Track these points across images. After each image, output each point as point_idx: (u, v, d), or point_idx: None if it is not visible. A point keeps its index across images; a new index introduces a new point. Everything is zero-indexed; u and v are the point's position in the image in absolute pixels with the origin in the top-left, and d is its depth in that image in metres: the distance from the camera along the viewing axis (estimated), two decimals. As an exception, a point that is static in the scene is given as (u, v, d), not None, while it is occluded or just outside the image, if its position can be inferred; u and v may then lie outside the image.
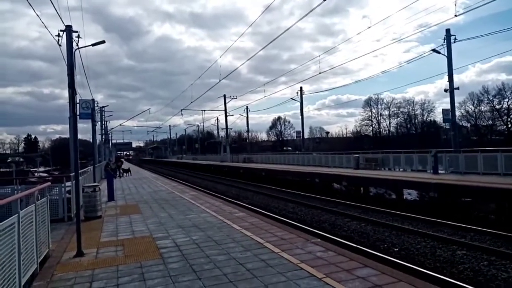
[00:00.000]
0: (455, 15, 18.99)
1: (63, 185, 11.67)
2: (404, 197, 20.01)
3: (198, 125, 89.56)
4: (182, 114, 59.28)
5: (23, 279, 5.36)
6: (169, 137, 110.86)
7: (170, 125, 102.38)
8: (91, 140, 50.78)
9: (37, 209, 6.59)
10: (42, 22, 16.26)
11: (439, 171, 20.48)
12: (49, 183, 8.52)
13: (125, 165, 41.38)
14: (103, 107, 44.12)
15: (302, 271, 5.61)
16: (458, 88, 21.97)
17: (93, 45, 15.57)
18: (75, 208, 7.84)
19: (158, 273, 5.94)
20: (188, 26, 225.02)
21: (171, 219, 10.79)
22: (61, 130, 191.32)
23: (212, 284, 5.29)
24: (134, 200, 15.86)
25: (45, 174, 65.15)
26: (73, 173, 14.20)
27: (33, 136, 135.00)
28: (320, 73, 33.58)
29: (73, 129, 7.07)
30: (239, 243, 7.49)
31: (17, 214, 5.27)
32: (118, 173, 32.15)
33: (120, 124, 60.80)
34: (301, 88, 43.84)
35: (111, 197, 16.00)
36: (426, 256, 9.51)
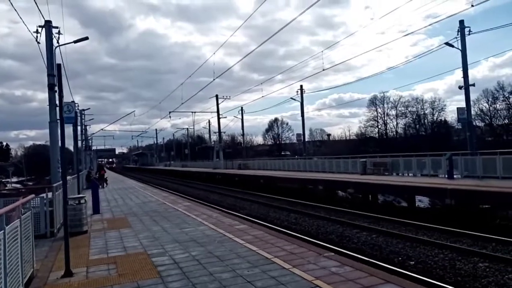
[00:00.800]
0: (472, 5, 18.90)
1: (44, 197, 11.59)
2: (416, 204, 20.16)
3: (187, 128, 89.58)
4: (170, 116, 59.20)
5: (9, 303, 5.31)
6: (155, 142, 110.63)
7: (156, 129, 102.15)
8: (68, 147, 50.69)
9: (21, 224, 6.55)
10: (20, 18, 16.20)
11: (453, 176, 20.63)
12: (33, 195, 8.46)
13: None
14: (83, 110, 44.08)
15: (317, 288, 5.62)
16: (473, 85, 22.13)
17: (75, 41, 15.54)
18: (63, 222, 7.77)
19: (158, 294, 5.92)
20: (174, 20, 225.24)
21: (166, 233, 10.76)
22: (35, 136, 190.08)
23: (219, 305, 5.28)
24: (122, 212, 15.79)
25: (18, 185, 64.70)
26: (58, 183, 14.14)
27: (4, 143, 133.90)
28: (324, 69, 33.78)
29: (61, 135, 7.04)
30: (244, 259, 7.48)
31: (3, 231, 5.23)
32: (102, 183, 32.04)
33: (102, 129, 60.46)
34: (301, 86, 44.11)
35: (96, 209, 15.93)
36: (446, 269, 9.56)
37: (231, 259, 7.58)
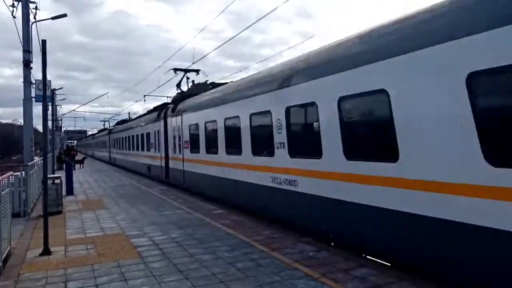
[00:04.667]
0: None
1: (19, 175, 11.41)
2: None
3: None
4: (145, 100, 58.39)
5: (-10, 278, 5.32)
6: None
7: (129, 113, 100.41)
8: (36, 126, 49.28)
9: (1, 201, 6.51)
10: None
11: None
12: (11, 172, 8.34)
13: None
14: (55, 89, 42.87)
15: (296, 271, 5.83)
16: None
17: (53, 18, 15.16)
18: (43, 200, 7.73)
19: (139, 273, 6.01)
20: None
21: (143, 215, 10.79)
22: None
23: (202, 285, 5.42)
24: (97, 194, 15.67)
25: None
26: (32, 162, 13.88)
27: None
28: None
29: (43, 114, 6.96)
30: (224, 242, 7.63)
31: (-15, 206, 5.21)
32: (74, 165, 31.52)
33: (74, 110, 58.89)
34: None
35: (69, 191, 15.74)
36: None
37: (211, 241, 7.72)
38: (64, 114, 60.97)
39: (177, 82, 21.14)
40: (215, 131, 12.05)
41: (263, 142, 9.16)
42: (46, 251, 7.30)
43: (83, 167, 34.31)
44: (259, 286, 5.29)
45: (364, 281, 5.32)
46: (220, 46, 18.11)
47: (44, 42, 6.56)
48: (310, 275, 5.62)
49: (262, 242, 7.51)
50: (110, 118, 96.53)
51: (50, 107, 36.01)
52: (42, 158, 20.11)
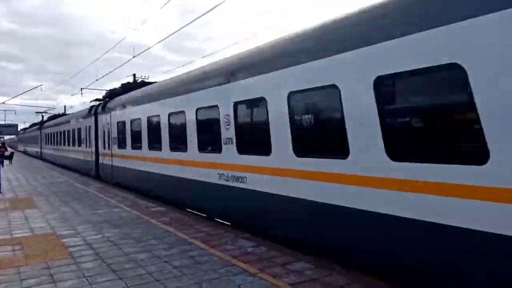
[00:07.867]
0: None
1: None
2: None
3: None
4: (82, 94, 56.03)
5: None
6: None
7: (65, 106, 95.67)
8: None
9: None
10: None
11: None
12: None
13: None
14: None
15: (235, 267, 5.85)
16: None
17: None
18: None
19: (70, 274, 5.76)
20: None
21: (77, 214, 10.35)
22: None
23: (136, 284, 5.29)
24: (27, 192, 14.83)
25: None
26: None
27: None
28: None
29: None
30: (161, 240, 7.50)
31: None
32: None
33: (3, 103, 54.66)
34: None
35: (-4, 189, 14.80)
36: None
37: (148, 240, 7.57)
38: (-8, 107, 56.85)
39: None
40: None
41: None
42: (-34, 254, 6.81)
43: (11, 163, 32.39)
44: (197, 284, 5.25)
45: (301, 275, 5.44)
46: (163, 40, 17.68)
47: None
48: (248, 271, 5.66)
49: (201, 239, 7.47)
50: (43, 112, 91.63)
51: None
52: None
